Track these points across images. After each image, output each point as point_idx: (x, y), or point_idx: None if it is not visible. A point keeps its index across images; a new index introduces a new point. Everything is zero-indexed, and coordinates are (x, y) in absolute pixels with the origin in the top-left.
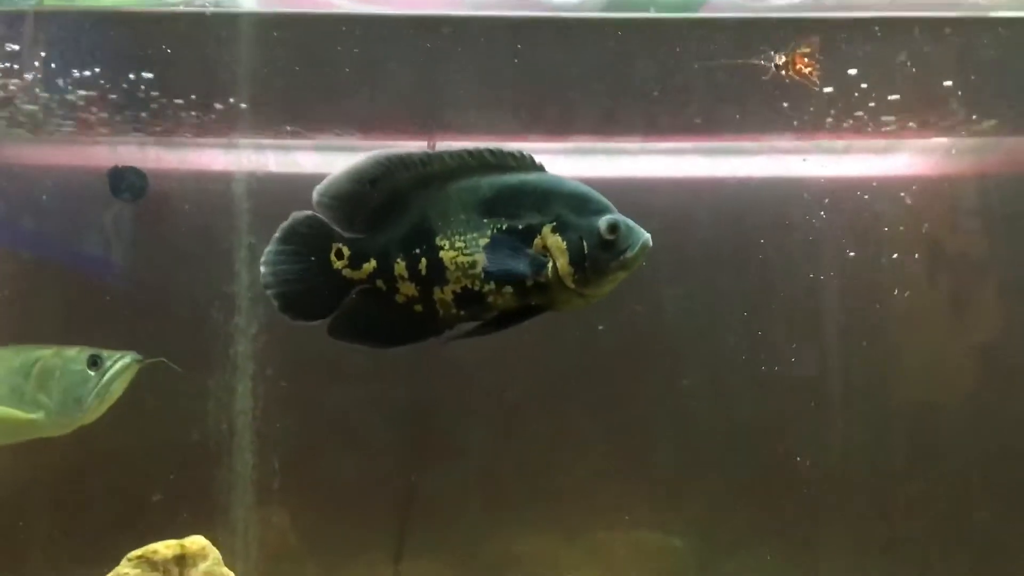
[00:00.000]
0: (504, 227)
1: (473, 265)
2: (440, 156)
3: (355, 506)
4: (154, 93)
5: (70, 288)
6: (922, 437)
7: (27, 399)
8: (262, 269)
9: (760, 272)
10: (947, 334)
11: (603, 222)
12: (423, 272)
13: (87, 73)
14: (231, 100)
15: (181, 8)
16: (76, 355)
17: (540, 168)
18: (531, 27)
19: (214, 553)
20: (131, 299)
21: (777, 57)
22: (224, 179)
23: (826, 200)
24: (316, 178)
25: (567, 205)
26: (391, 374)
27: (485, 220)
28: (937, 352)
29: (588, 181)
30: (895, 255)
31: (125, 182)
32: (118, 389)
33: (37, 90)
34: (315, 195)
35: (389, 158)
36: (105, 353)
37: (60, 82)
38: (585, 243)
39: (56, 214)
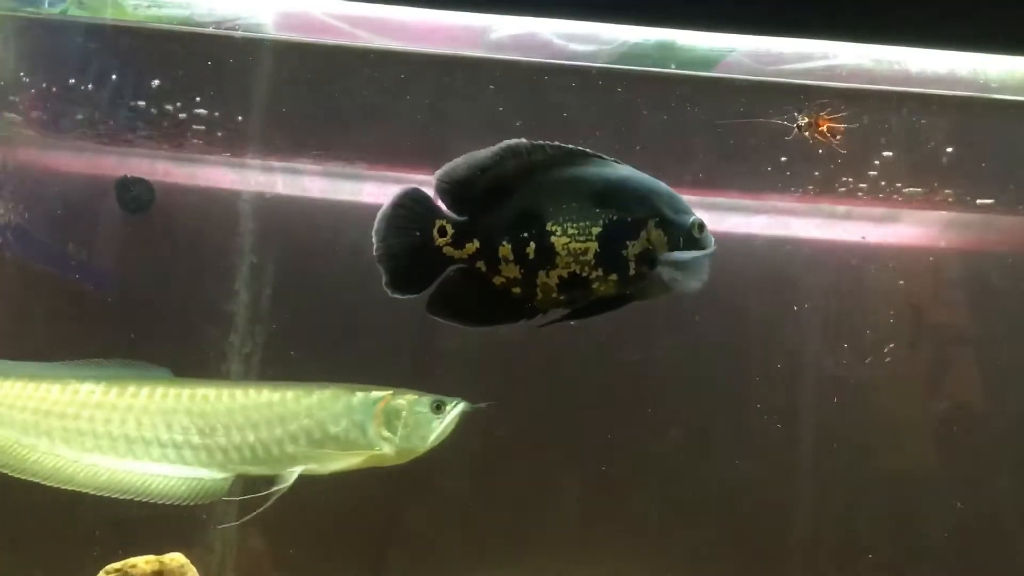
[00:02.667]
0: (615, 218)
1: (585, 252)
2: (542, 147)
3: (334, 536)
4: (169, 107)
5: (67, 295)
6: (901, 505)
7: (369, 434)
8: (373, 239)
9: (753, 329)
10: (931, 404)
11: (694, 221)
12: (530, 256)
13: (105, 82)
14: (245, 120)
15: (211, 30)
16: (419, 399)
17: (624, 166)
18: (544, 71)
19: (192, 571)
20: (129, 310)
21: (800, 117)
22: (231, 197)
23: (822, 262)
24: (322, 202)
25: (664, 202)
26: None
27: (597, 210)
28: (921, 421)
29: None
30: (884, 321)
31: (132, 193)
32: (450, 430)
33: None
34: (434, 179)
35: (503, 148)
36: (445, 399)
37: (78, 89)
38: (680, 240)
39: (60, 220)
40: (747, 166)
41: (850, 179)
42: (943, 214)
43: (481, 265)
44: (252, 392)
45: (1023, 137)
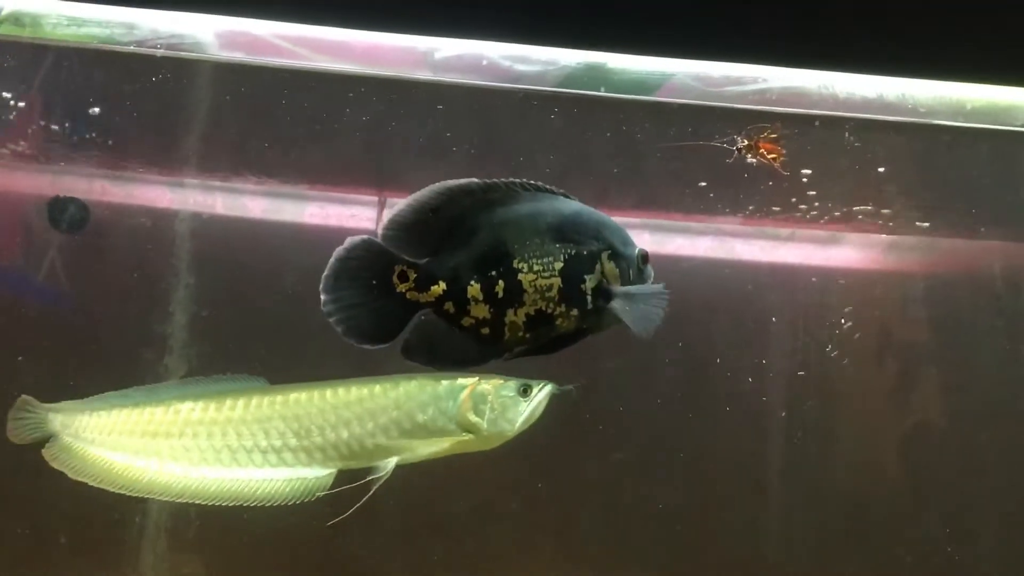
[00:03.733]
0: (573, 252)
1: (550, 288)
2: (496, 184)
3: (272, 562)
4: (105, 127)
5: None
6: (857, 524)
7: (455, 420)
8: (322, 296)
9: (698, 351)
10: (882, 423)
11: (640, 253)
12: (499, 295)
13: (36, 102)
14: (182, 140)
15: (131, 48)
16: (505, 383)
17: (574, 199)
18: (488, 94)
19: None
20: (61, 331)
21: (740, 140)
22: (169, 217)
23: (767, 285)
24: (262, 223)
25: (614, 235)
26: None
27: (557, 245)
28: (873, 440)
29: None
30: (830, 342)
31: (66, 213)
32: (538, 412)
33: None
34: (380, 229)
35: (450, 188)
36: (531, 382)
37: (8, 108)
38: (630, 271)
39: None
40: (689, 189)
41: (792, 201)
42: (883, 237)
43: (449, 307)
44: (341, 391)
45: (956, 161)
